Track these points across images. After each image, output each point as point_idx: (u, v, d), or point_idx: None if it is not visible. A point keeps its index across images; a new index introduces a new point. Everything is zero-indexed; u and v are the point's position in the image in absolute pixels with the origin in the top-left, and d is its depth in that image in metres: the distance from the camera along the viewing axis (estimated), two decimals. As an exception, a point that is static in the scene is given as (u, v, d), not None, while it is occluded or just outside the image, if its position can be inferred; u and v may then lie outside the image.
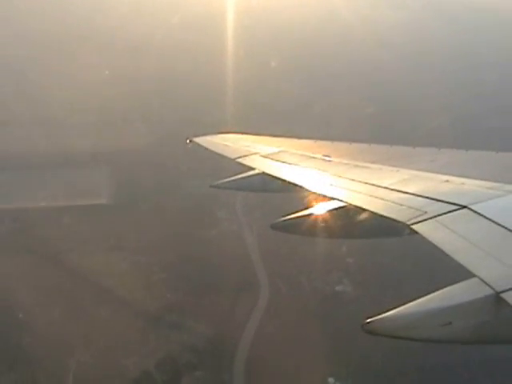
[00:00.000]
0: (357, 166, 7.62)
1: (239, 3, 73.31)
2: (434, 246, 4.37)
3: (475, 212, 4.73)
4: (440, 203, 5.12)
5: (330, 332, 21.10)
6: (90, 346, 20.66)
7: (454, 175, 6.02)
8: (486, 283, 3.63)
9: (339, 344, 20.44)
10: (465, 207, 4.87)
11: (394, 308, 3.86)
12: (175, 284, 24.60)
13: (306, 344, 20.57)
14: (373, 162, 7.57)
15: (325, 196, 6.85)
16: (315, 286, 24.80)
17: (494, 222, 4.48)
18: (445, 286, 3.98)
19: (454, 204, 4.97)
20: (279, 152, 9.04)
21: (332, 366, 20.20)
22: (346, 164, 7.78)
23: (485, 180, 5.63)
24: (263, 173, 8.15)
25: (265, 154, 8.95)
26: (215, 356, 20.69)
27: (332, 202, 6.65)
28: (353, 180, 6.97)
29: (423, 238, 4.57)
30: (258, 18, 69.72)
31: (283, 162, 8.33)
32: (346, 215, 6.41)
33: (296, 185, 7.35)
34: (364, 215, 5.95)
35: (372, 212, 5.64)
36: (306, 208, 7.10)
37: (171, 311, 22.91)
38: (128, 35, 58.96)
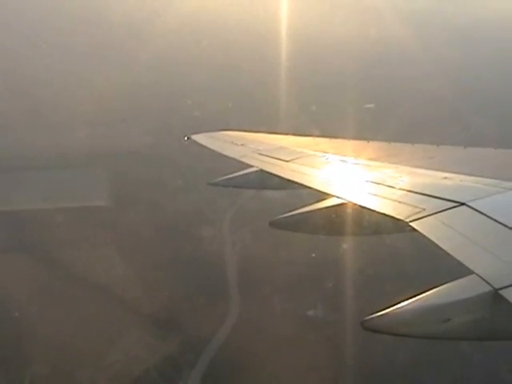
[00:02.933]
0: (355, 162, 7.63)
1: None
2: (433, 243, 4.37)
3: (473, 209, 4.73)
4: (438, 200, 5.11)
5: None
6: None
7: (452, 172, 6.02)
8: (484, 280, 3.63)
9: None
10: (463, 204, 4.86)
11: (393, 305, 3.87)
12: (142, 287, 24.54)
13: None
14: (371, 159, 7.57)
15: (323, 193, 6.85)
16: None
17: (492, 218, 4.47)
18: (443, 283, 3.98)
19: (453, 201, 4.97)
20: (277, 149, 9.02)
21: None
22: (344, 161, 7.79)
23: (483, 177, 5.63)
24: (261, 170, 8.13)
25: (263, 152, 8.92)
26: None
27: (330, 199, 6.66)
28: (351, 177, 6.98)
29: (422, 235, 4.57)
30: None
31: (281, 160, 8.30)
32: (345, 212, 6.41)
33: (294, 182, 7.34)
34: (362, 212, 5.95)
35: (370, 209, 5.63)
36: (305, 205, 7.09)
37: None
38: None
